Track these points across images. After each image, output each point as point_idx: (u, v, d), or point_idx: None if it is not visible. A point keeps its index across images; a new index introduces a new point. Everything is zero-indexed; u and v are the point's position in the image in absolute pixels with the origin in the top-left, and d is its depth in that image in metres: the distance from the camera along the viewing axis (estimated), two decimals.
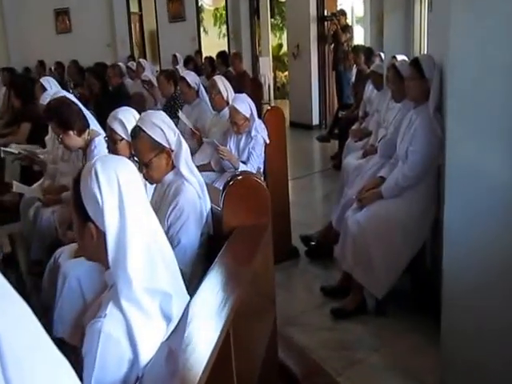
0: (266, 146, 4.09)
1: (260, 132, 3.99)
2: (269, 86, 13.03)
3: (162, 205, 2.39)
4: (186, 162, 2.38)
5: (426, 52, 5.00)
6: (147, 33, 13.52)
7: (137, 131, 2.33)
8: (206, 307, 1.62)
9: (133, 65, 8.80)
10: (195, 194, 2.34)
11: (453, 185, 2.54)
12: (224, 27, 13.27)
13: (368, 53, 6.68)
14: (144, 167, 2.34)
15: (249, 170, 3.97)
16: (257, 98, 7.84)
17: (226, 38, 12.25)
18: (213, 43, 14.13)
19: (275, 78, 14.33)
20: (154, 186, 2.51)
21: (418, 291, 3.63)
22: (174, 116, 5.29)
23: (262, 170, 4.15)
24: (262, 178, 4.16)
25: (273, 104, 13.07)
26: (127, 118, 2.90)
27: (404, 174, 3.31)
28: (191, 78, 4.88)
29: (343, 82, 8.72)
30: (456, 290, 2.61)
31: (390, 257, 3.34)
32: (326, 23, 9.20)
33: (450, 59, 2.59)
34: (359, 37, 11.01)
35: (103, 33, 12.58)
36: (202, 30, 17.16)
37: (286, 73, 12.17)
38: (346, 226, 3.53)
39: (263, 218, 2.18)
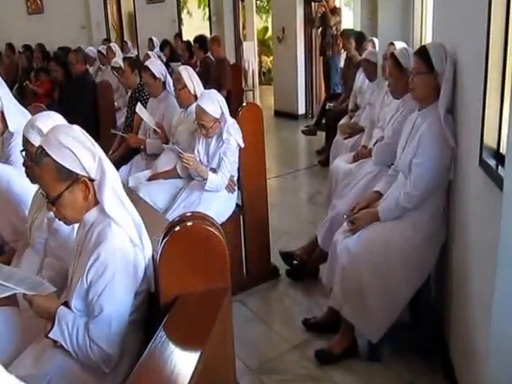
0: (241, 150, 3.43)
1: (233, 134, 3.33)
2: (253, 72, 12.30)
3: (82, 253, 1.75)
4: (116, 196, 1.72)
5: (427, 39, 4.37)
6: (125, 14, 12.76)
7: (39, 155, 1.66)
8: None
9: (104, 49, 8.06)
10: (126, 240, 1.69)
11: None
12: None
13: (359, 38, 6.01)
14: (52, 205, 1.68)
15: (218, 181, 3.33)
16: (237, 86, 7.20)
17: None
18: (197, 26, 13.40)
19: (260, 62, 13.61)
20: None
21: (419, 325, 3.03)
22: None
23: (235, 179, 3.51)
24: (236, 188, 3.52)
25: (257, 90, 12.43)
26: (48, 126, 2.21)
27: (407, 192, 2.67)
28: (156, 67, 4.18)
29: (331, 69, 8.10)
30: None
31: (388, 293, 2.72)
32: (313, 5, 8.53)
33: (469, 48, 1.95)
34: (348, 20, 10.32)
35: (77, 14, 11.89)
36: (185, 12, 16.46)
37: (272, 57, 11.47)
38: (335, 252, 2.90)
39: (220, 282, 1.55)
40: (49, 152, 1.64)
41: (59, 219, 1.75)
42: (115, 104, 6.20)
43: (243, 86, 11.34)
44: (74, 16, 11.73)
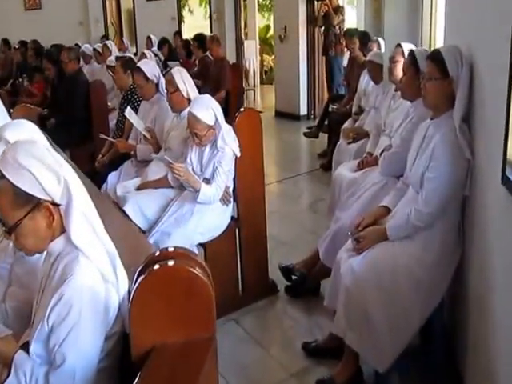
0: (237, 159, 3.19)
1: (229, 142, 3.08)
2: (254, 71, 12.03)
3: (45, 289, 1.50)
4: (86, 223, 1.48)
5: (438, 40, 4.13)
6: (124, 11, 12.50)
7: None
8: None
9: (100, 47, 7.81)
10: (95, 275, 1.44)
11: None
12: None
13: (363, 38, 5.73)
14: (8, 234, 1.44)
15: (211, 193, 3.08)
16: (237, 87, 6.94)
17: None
18: (198, 24, 13.13)
19: (262, 61, 13.34)
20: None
21: (431, 351, 2.78)
22: None
23: (231, 190, 3.26)
24: (232, 200, 3.28)
25: (259, 90, 12.17)
26: (17, 137, 1.95)
27: (418, 209, 2.42)
28: (149, 68, 3.93)
29: (334, 69, 7.91)
30: None
31: (397, 319, 2.47)
32: (316, 3, 8.27)
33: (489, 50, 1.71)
34: (351, 19, 10.03)
35: (75, 10, 11.67)
36: (187, 9, 16.19)
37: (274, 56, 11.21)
38: (338, 271, 2.65)
39: (204, 331, 1.30)
40: (5, 173, 1.40)
41: (19, 249, 1.51)
42: (109, 104, 5.95)
43: (244, 85, 11.12)
44: (72, 12, 11.53)
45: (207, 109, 2.99)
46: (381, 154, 3.33)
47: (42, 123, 5.89)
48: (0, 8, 11.34)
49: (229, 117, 6.43)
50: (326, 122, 6.50)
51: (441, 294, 2.51)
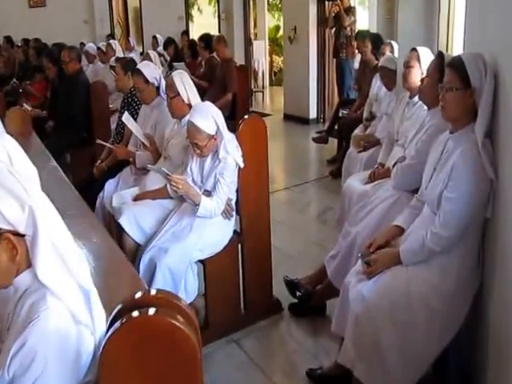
0: (240, 169, 2.98)
1: (231, 152, 2.88)
2: (263, 73, 11.82)
3: (11, 329, 1.30)
4: (56, 256, 1.28)
5: (456, 45, 3.91)
6: (131, 9, 12.33)
7: None
8: None
9: (104, 46, 7.62)
10: (65, 317, 1.24)
11: None
12: None
13: (376, 41, 5.49)
14: None
15: (212, 207, 2.88)
16: (244, 89, 6.74)
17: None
18: (207, 23, 12.96)
19: (271, 62, 13.11)
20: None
21: (444, 376, 2.56)
22: (132, 117, 4.20)
23: (233, 202, 3.06)
24: (234, 213, 3.08)
25: (267, 91, 11.95)
26: None
27: (435, 232, 2.21)
28: (149, 71, 3.72)
29: (345, 72, 7.68)
30: None
31: (410, 351, 2.26)
32: (326, 4, 8.05)
33: None
34: (362, 21, 9.79)
35: (80, 8, 11.46)
36: (196, 8, 16.03)
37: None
38: (346, 296, 2.44)
39: None
40: None
41: None
42: (111, 106, 5.75)
43: (253, 86, 10.91)
44: (77, 10, 11.29)
45: (207, 117, 2.79)
46: (394, 165, 3.11)
47: (40, 125, 5.74)
48: (4, 5, 11.16)
49: (235, 120, 6.31)
50: (335, 127, 6.30)
51: (458, 325, 2.29)
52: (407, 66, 3.42)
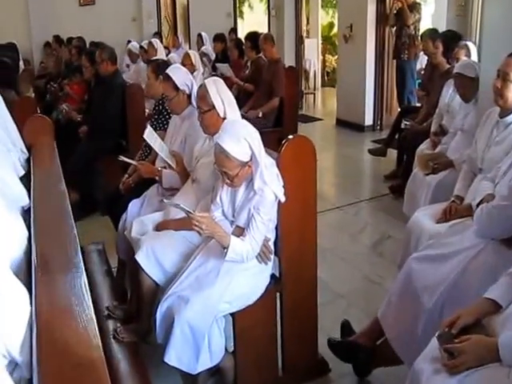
0: (281, 203, 2.39)
1: (269, 183, 2.28)
2: (315, 73, 11.15)
3: None
4: None
5: None
6: (179, 6, 11.94)
7: None
8: None
9: (146, 45, 7.17)
10: None
11: None
12: None
13: (450, 42, 4.69)
14: None
15: (244, 250, 2.29)
16: (292, 92, 6.10)
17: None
18: (257, 21, 12.46)
19: (324, 62, 12.42)
20: None
21: None
22: (162, 126, 3.68)
23: (271, 243, 2.46)
24: (272, 256, 2.48)
25: (319, 93, 11.27)
26: None
27: None
28: (180, 76, 3.15)
29: (406, 75, 7.05)
30: None
31: None
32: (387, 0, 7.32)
33: None
34: (424, 18, 9.00)
35: (129, 5, 11.24)
36: (246, 5, 15.56)
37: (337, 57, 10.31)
38: None
39: None
40: None
41: None
42: (147, 110, 5.26)
43: (304, 87, 10.27)
44: (126, 7, 11.13)
45: (239, 140, 2.19)
46: (478, 204, 2.42)
47: (74, 131, 5.32)
48: (55, 4, 10.99)
49: (283, 127, 5.70)
50: (395, 138, 5.60)
51: None
52: (504, 79, 2.67)
